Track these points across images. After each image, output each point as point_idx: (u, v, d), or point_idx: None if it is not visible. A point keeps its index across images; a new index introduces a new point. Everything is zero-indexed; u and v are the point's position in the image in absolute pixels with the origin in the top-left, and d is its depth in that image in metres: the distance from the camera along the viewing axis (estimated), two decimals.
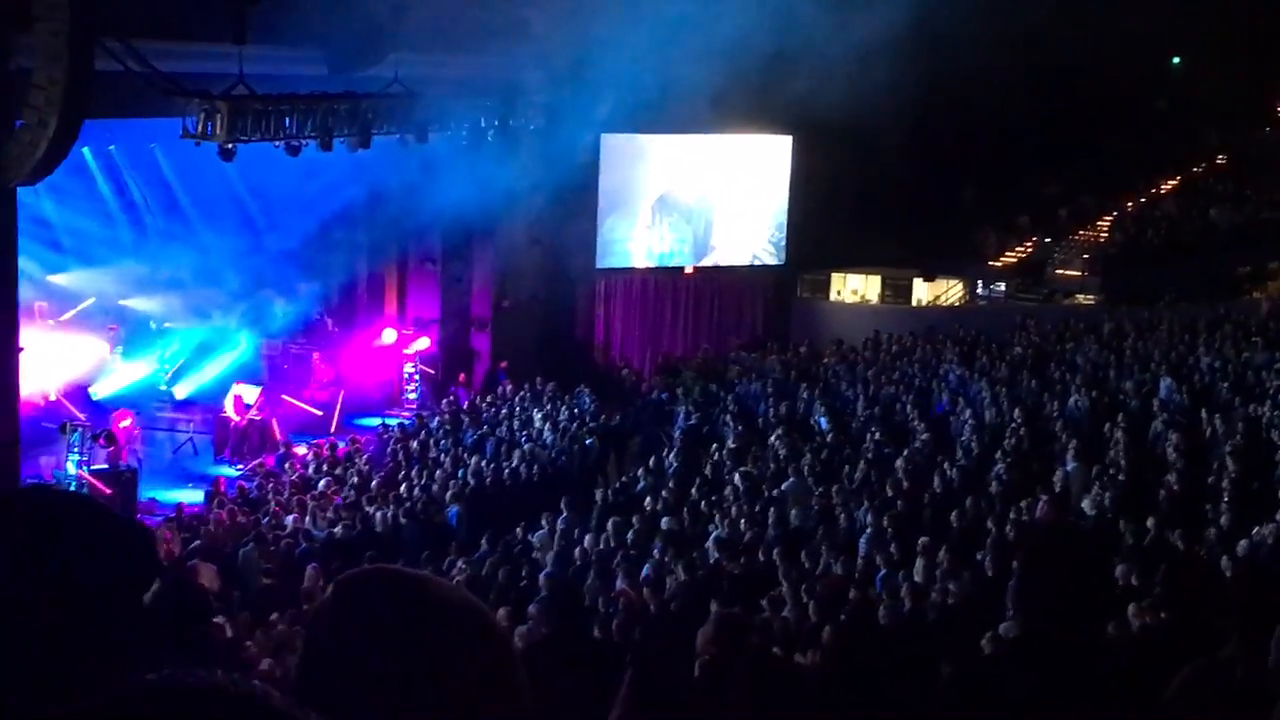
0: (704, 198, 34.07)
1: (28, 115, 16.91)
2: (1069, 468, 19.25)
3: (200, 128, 20.10)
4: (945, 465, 20.26)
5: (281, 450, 25.79)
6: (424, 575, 2.02)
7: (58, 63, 16.60)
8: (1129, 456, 19.85)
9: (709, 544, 17.30)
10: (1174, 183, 39.33)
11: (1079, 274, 35.74)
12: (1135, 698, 3.98)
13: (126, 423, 23.99)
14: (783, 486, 19.93)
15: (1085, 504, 17.69)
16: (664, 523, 18.58)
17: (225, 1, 19.82)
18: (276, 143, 21.79)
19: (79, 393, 26.27)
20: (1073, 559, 3.63)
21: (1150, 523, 16.05)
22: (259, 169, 24.86)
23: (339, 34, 23.55)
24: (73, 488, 21.18)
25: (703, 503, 19.94)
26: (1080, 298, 34.75)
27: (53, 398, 25.38)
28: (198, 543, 19.32)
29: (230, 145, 20.40)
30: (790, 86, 27.72)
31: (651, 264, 34.26)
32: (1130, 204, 38.60)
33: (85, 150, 25.25)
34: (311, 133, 22.16)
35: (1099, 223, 38.07)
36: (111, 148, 26.45)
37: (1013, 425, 22.06)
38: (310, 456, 24.93)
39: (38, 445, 22.97)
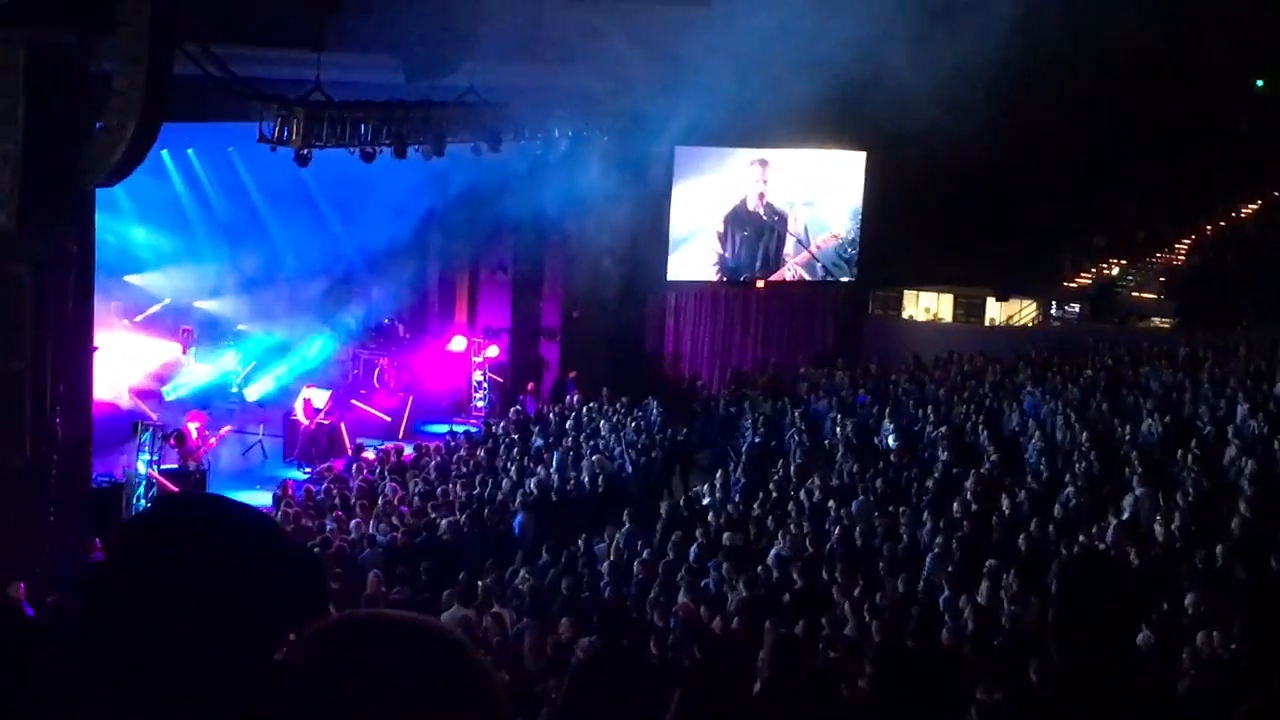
0: (777, 212, 33.96)
1: (107, 118, 17.08)
2: (1138, 493, 19.00)
3: (276, 133, 20.23)
4: (1015, 488, 20.06)
5: (352, 453, 25.87)
6: (409, 619, 1.99)
7: (138, 66, 16.76)
8: (1201, 483, 19.57)
9: (770, 560, 17.22)
10: (1254, 206, 38.82)
11: (1155, 297, 35.36)
12: None
13: (196, 425, 24.16)
14: (853, 506, 19.79)
15: (1155, 529, 17.44)
16: (726, 538, 18.51)
17: (304, 8, 19.96)
18: (351, 149, 21.91)
19: (152, 393, 26.55)
20: (1108, 588, 3.55)
21: (1219, 550, 15.80)
22: (334, 175, 25.05)
23: (416, 42, 23.67)
24: (142, 487, 21.41)
25: (767, 519, 19.84)
26: (1156, 321, 34.38)
27: (126, 398, 25.65)
28: None
29: (305, 151, 20.51)
30: (866, 103, 27.62)
31: (723, 277, 34.18)
32: (1209, 227, 38.14)
33: (164, 153, 25.56)
34: (386, 140, 22.24)
35: (1176, 245, 37.64)
36: (190, 151, 26.74)
37: (1082, 449, 21.82)
38: (376, 462, 25.03)
39: (110, 445, 23.21)
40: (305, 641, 1.94)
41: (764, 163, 33.44)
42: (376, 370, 29.74)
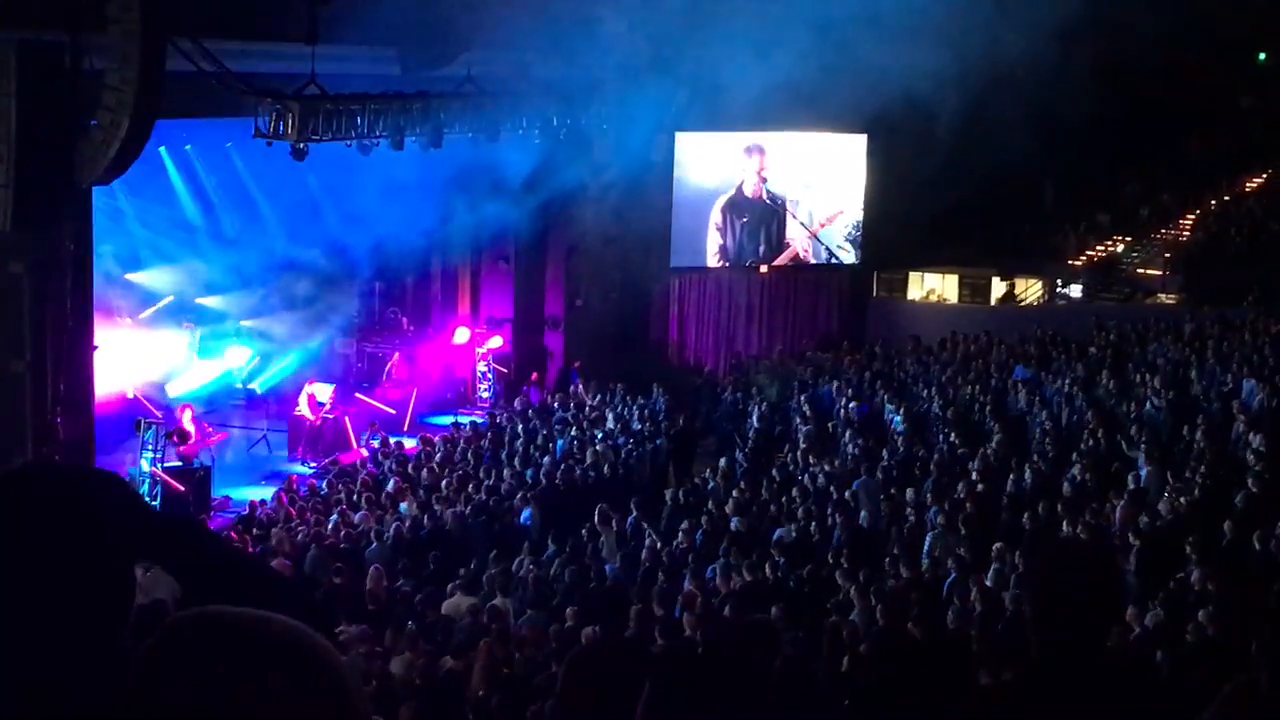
0: (779, 196, 33.85)
1: (101, 116, 17.06)
2: (1144, 470, 18.92)
3: (272, 127, 20.18)
4: (1021, 468, 19.98)
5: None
6: (251, 617, 1.91)
7: (130, 63, 16.73)
8: (1208, 459, 19.47)
9: (773, 547, 17.15)
10: (1259, 181, 38.61)
11: (1160, 273, 35.23)
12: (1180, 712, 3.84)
13: (189, 414, 24.08)
14: (853, 486, 19.74)
15: (1161, 506, 17.37)
16: (731, 524, 18.46)
17: (298, 1, 19.88)
18: (348, 142, 21.86)
19: (156, 390, 26.50)
20: (1082, 574, 3.49)
21: (1227, 526, 15.73)
22: (335, 168, 25.00)
23: (412, 34, 23.62)
24: (146, 485, 21.40)
25: (772, 504, 19.78)
26: (1161, 297, 34.25)
27: (131, 396, 25.62)
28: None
29: (302, 145, 20.46)
30: (867, 84, 27.44)
31: (726, 263, 34.08)
32: (1213, 202, 37.95)
33: (162, 150, 25.52)
34: (383, 132, 22.21)
35: (1181, 221, 37.47)
36: (188, 147, 26.69)
37: (1088, 426, 21.73)
38: (381, 455, 24.96)
39: (115, 443, 23.23)
40: (149, 642, 1.88)
41: (762, 149, 33.30)
42: (390, 365, 29.66)
